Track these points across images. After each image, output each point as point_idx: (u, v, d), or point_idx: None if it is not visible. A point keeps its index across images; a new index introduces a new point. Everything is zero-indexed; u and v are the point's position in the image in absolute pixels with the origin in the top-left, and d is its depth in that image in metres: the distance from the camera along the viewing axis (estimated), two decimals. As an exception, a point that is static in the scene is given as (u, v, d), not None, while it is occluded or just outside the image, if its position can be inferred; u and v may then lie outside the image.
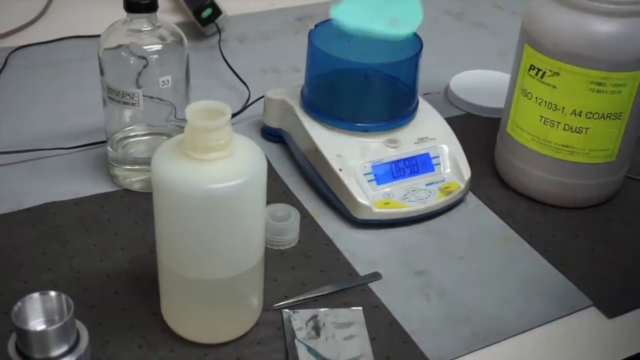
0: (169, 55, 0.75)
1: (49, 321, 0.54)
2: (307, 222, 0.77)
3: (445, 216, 0.80)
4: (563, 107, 0.76)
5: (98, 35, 0.76)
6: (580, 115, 0.76)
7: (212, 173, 0.57)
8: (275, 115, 0.87)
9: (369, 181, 0.77)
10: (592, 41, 0.73)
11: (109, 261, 0.71)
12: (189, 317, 0.63)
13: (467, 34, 1.18)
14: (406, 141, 0.81)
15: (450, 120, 0.86)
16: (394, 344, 0.65)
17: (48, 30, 1.08)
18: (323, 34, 0.82)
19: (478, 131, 0.93)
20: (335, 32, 0.83)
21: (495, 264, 0.74)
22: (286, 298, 0.68)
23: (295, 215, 0.74)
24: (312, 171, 0.81)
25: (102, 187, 0.80)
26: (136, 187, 0.79)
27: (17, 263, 0.70)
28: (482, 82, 1.01)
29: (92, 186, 0.80)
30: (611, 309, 0.70)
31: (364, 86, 0.81)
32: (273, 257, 0.72)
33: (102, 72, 0.76)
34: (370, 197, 0.76)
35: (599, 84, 0.74)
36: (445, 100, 1.00)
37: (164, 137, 0.78)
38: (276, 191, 0.81)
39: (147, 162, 0.63)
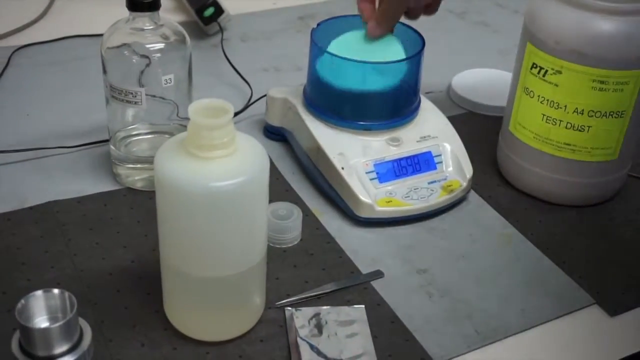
0: (172, 54, 0.76)
1: (52, 319, 0.55)
2: (310, 220, 0.77)
3: (447, 214, 0.80)
4: (565, 106, 0.76)
5: (101, 34, 0.76)
6: (582, 114, 0.76)
7: (214, 171, 0.57)
8: (278, 113, 0.87)
9: (371, 179, 0.78)
10: (594, 39, 0.73)
11: (112, 259, 0.71)
12: (192, 315, 0.63)
13: (469, 32, 1.18)
14: (408, 140, 0.81)
15: (452, 119, 0.86)
16: (396, 341, 0.65)
17: (51, 29, 1.09)
18: (325, 33, 0.82)
19: (480, 130, 0.93)
20: (337, 30, 0.83)
21: (497, 262, 0.74)
22: (288, 296, 0.68)
23: (297, 213, 0.74)
24: (315, 169, 0.81)
25: (104, 186, 0.80)
26: (139, 185, 0.80)
27: (20, 261, 0.70)
28: (484, 81, 1.01)
29: (94, 185, 0.80)
30: (613, 307, 0.70)
31: (366, 85, 0.81)
32: (275, 255, 0.72)
33: (104, 71, 0.76)
34: (372, 196, 0.77)
35: (601, 82, 0.74)
36: (448, 98, 1.00)
37: (167, 136, 0.78)
38: (278, 189, 0.81)
39: (149, 160, 0.64)
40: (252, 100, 0.95)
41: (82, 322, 0.55)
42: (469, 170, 0.81)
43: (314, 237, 0.75)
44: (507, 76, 0.86)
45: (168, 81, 0.75)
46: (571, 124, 0.77)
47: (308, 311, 0.66)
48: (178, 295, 0.63)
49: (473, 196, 0.83)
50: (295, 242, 0.74)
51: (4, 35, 1.06)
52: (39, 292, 0.54)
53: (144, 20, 0.74)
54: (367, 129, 0.80)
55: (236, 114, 0.92)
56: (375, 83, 0.81)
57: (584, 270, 0.74)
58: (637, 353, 0.67)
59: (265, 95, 0.89)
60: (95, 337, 0.57)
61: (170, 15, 1.11)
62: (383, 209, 0.76)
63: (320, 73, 0.81)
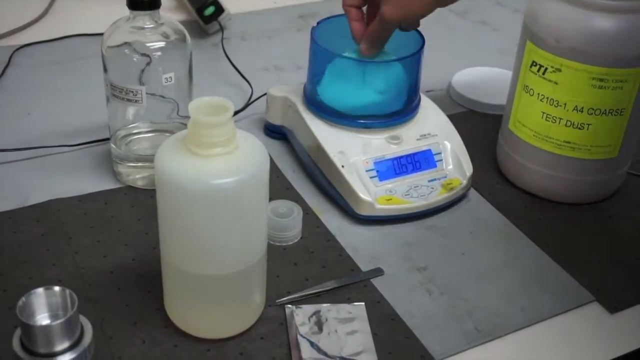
0: (172, 53, 0.76)
1: (53, 316, 0.55)
2: (310, 218, 0.77)
3: (447, 212, 0.80)
4: (565, 103, 0.76)
5: (101, 33, 0.76)
6: (582, 112, 0.76)
7: (215, 169, 0.57)
8: (278, 112, 0.87)
9: (371, 177, 0.78)
10: (593, 37, 0.73)
11: (113, 257, 0.71)
12: (193, 312, 0.63)
13: (469, 31, 1.18)
14: (408, 138, 0.81)
15: (452, 117, 0.86)
16: (396, 339, 0.65)
17: (51, 28, 1.09)
18: (325, 31, 0.82)
19: (480, 128, 0.93)
20: (337, 29, 0.84)
21: (497, 260, 0.75)
22: (289, 294, 0.68)
23: (297, 211, 0.74)
24: (315, 168, 0.81)
25: (105, 184, 0.80)
26: (139, 184, 0.80)
27: (21, 259, 0.70)
28: (484, 79, 1.01)
29: (95, 183, 0.80)
30: (613, 304, 0.70)
31: (366, 83, 0.81)
32: (276, 253, 0.72)
33: (105, 70, 0.76)
34: (372, 194, 0.77)
35: (601, 80, 0.74)
36: (448, 97, 1.00)
37: (167, 134, 0.78)
38: (279, 188, 0.81)
39: (150, 159, 0.64)
40: (252, 99, 0.95)
41: (83, 320, 0.55)
42: (469, 168, 0.81)
43: (314, 235, 0.75)
44: (507, 74, 0.86)
45: (168, 80, 0.76)
46: (571, 121, 0.77)
47: (308, 309, 0.66)
48: (179, 293, 0.63)
49: (473, 194, 0.83)
50: (296, 240, 0.74)
51: (5, 34, 1.06)
52: (40, 290, 0.54)
53: (145, 19, 0.74)
54: (367, 127, 0.80)
55: (237, 113, 0.92)
56: (376, 82, 0.81)
57: (583, 267, 0.74)
58: (637, 350, 0.67)
59: (265, 94, 0.89)
60: (96, 335, 0.57)
61: (170, 14, 1.11)
62: (383, 207, 0.77)
63: (321, 72, 0.81)
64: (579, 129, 0.77)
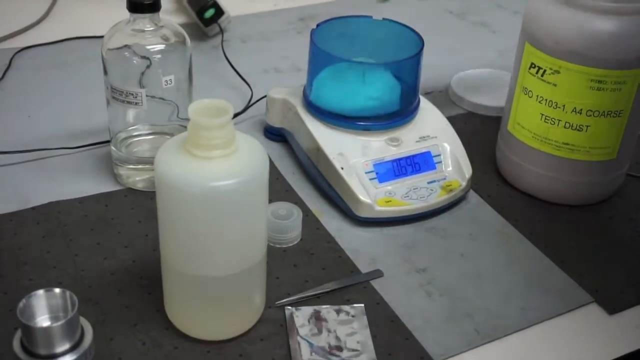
0: (172, 55, 0.76)
1: (54, 318, 0.55)
2: (309, 220, 0.77)
3: (446, 214, 0.80)
4: (563, 105, 0.77)
5: (102, 36, 0.77)
6: (580, 113, 0.76)
7: (214, 171, 0.57)
8: (278, 114, 0.87)
9: (370, 179, 0.78)
10: (592, 39, 0.73)
11: (113, 259, 0.71)
12: (192, 314, 0.63)
13: (468, 33, 1.19)
14: (408, 140, 0.81)
15: (451, 119, 0.87)
16: (396, 340, 0.65)
17: (52, 31, 1.09)
18: (324, 34, 0.83)
19: (479, 129, 0.93)
20: (337, 31, 0.84)
21: (496, 261, 0.75)
22: (288, 295, 0.68)
23: (297, 213, 0.75)
24: (314, 170, 0.81)
25: (106, 186, 0.80)
26: (139, 186, 0.80)
27: (22, 261, 0.70)
28: (483, 81, 1.02)
29: (96, 185, 0.80)
30: (612, 305, 0.71)
31: (366, 85, 0.81)
32: (275, 255, 0.72)
33: (105, 72, 0.76)
34: (372, 195, 0.77)
35: (599, 81, 0.74)
36: (447, 99, 1.00)
37: (167, 137, 0.79)
38: (278, 190, 0.81)
39: (150, 161, 0.64)
40: (252, 101, 0.95)
41: (83, 321, 0.56)
42: (468, 170, 0.82)
43: (314, 236, 0.76)
44: (506, 76, 0.87)
45: (168, 82, 0.76)
46: (570, 123, 0.77)
47: (308, 310, 0.67)
48: (179, 295, 0.63)
49: (472, 196, 0.83)
50: (296, 242, 0.75)
51: (6, 37, 1.07)
52: (41, 292, 0.55)
53: (145, 22, 0.75)
54: (366, 129, 0.80)
55: (237, 115, 0.92)
56: (375, 84, 0.81)
57: (583, 268, 0.74)
58: (636, 351, 0.67)
59: (265, 96, 0.89)
60: (97, 336, 0.57)
61: (170, 16, 1.11)
62: (382, 209, 0.77)
63: (321, 74, 0.82)
64: (578, 130, 0.77)
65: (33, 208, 0.77)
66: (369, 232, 0.77)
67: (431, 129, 0.83)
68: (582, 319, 0.70)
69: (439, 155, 0.81)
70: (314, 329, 0.65)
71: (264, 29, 1.15)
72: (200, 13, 1.07)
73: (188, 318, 0.64)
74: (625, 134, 0.78)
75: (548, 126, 0.78)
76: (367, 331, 0.65)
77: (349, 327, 0.65)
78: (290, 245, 0.74)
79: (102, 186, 0.80)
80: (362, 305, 0.68)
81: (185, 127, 0.58)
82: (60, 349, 0.53)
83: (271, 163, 0.83)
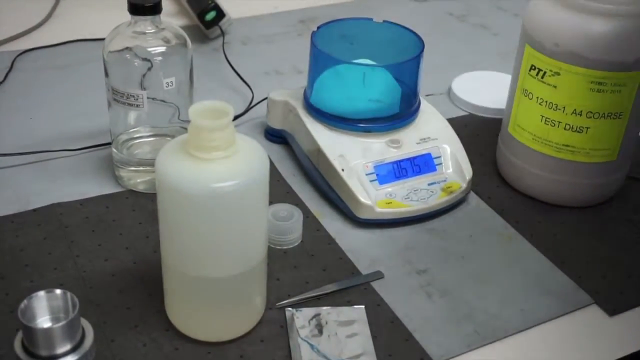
0: (173, 57, 0.76)
1: (55, 319, 0.55)
2: (310, 221, 0.78)
3: (447, 215, 0.80)
4: (564, 107, 0.77)
5: (103, 39, 0.77)
6: (580, 115, 0.77)
7: (215, 172, 0.57)
8: (278, 116, 0.87)
9: (371, 181, 0.78)
10: (592, 41, 0.73)
11: (114, 261, 0.71)
12: (193, 315, 0.64)
13: (469, 35, 1.19)
14: (408, 141, 0.81)
15: (452, 121, 0.87)
16: (396, 342, 0.65)
17: (54, 33, 1.09)
18: (325, 36, 0.83)
19: (480, 131, 0.93)
20: (337, 33, 0.84)
21: (496, 263, 0.75)
22: (289, 297, 0.69)
23: (298, 215, 0.75)
24: (315, 171, 0.82)
25: (107, 188, 0.80)
26: (141, 188, 0.80)
27: (23, 263, 0.71)
28: (484, 83, 1.02)
29: (97, 187, 0.81)
30: (612, 307, 0.71)
31: (366, 87, 0.81)
32: (276, 257, 0.73)
33: (106, 74, 0.76)
34: (372, 197, 0.77)
35: (599, 83, 0.74)
36: (448, 101, 1.00)
37: (168, 139, 0.79)
38: (279, 191, 0.81)
39: (151, 163, 0.64)
40: (253, 103, 0.95)
41: (84, 323, 0.56)
42: (468, 172, 0.82)
43: (314, 238, 0.76)
44: (507, 79, 0.87)
45: (169, 84, 0.76)
46: (570, 125, 0.77)
47: (308, 312, 0.67)
48: (179, 296, 0.64)
49: (473, 197, 0.83)
50: (296, 244, 0.75)
51: (8, 39, 1.07)
52: (42, 293, 0.55)
53: (146, 24, 0.75)
54: (367, 131, 0.81)
55: (237, 117, 0.92)
56: (375, 86, 0.81)
57: (583, 270, 0.74)
58: (636, 352, 0.67)
59: (266, 98, 0.89)
60: (98, 337, 0.57)
61: (172, 19, 1.12)
62: (383, 211, 0.77)
63: (321, 76, 0.82)
64: (578, 132, 0.78)
65: (34, 210, 0.77)
66: (370, 234, 0.77)
67: (432, 131, 0.83)
68: (582, 321, 0.70)
69: (439, 157, 0.81)
70: (314, 330, 0.65)
71: (265, 31, 1.15)
72: (201, 15, 1.07)
73: (189, 319, 0.64)
74: (625, 136, 0.78)
75: (548, 128, 0.79)
76: (368, 332, 0.65)
77: (350, 328, 0.65)
78: (291, 246, 0.74)
79: (103, 188, 0.80)
80: (363, 306, 0.68)
81: (186, 129, 0.58)
82: (61, 350, 0.53)
83: (272, 165, 0.84)
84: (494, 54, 1.12)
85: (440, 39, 1.14)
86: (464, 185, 0.81)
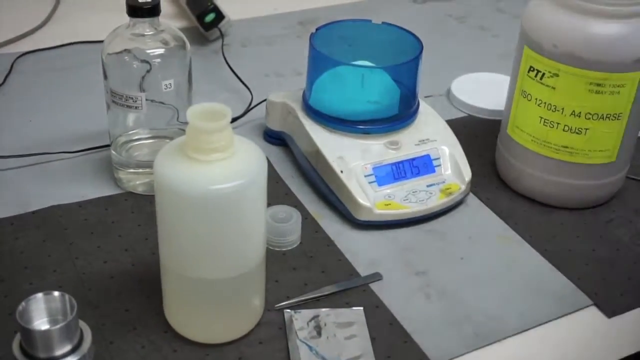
0: (172, 59, 0.76)
1: (53, 321, 0.55)
2: (309, 223, 0.78)
3: (446, 217, 0.80)
4: (562, 108, 0.77)
5: (102, 41, 0.77)
6: (579, 116, 0.77)
7: (213, 174, 0.57)
8: (278, 118, 0.87)
9: (370, 183, 0.78)
10: (590, 43, 0.73)
11: (113, 263, 0.71)
12: (192, 317, 0.64)
13: (469, 37, 1.19)
14: (407, 143, 0.81)
15: (451, 122, 0.87)
16: (395, 343, 0.65)
17: (53, 36, 1.09)
18: (324, 38, 0.83)
19: (479, 133, 0.93)
20: (336, 35, 0.84)
21: (495, 264, 0.75)
22: (288, 298, 0.69)
23: (296, 216, 0.75)
24: (314, 173, 0.82)
25: (106, 190, 0.81)
26: (139, 189, 0.80)
27: (23, 265, 0.71)
28: (483, 85, 1.02)
29: (96, 189, 0.81)
30: (611, 309, 0.71)
31: (365, 89, 0.81)
32: (275, 258, 0.73)
33: (105, 77, 0.77)
34: (371, 199, 0.77)
35: (598, 84, 0.74)
36: (447, 102, 1.00)
37: (167, 140, 0.79)
38: (278, 193, 0.81)
39: (150, 165, 0.64)
40: (252, 105, 0.95)
41: (83, 325, 0.56)
42: (467, 173, 0.82)
43: (313, 240, 0.76)
44: (506, 80, 0.87)
45: (168, 86, 0.76)
46: (569, 126, 0.77)
47: (307, 313, 0.67)
48: (178, 298, 0.64)
49: (472, 199, 0.83)
50: (295, 245, 0.75)
51: (7, 42, 1.07)
52: (40, 295, 0.55)
53: (144, 26, 0.75)
54: (366, 133, 0.81)
55: (237, 119, 0.92)
56: (374, 87, 0.81)
57: (582, 271, 0.74)
58: (635, 354, 0.67)
59: (265, 100, 0.89)
60: (96, 340, 0.57)
61: (171, 21, 1.11)
62: (382, 212, 0.77)
63: (320, 77, 0.82)
64: (577, 133, 0.77)
65: (34, 212, 0.77)
66: (369, 235, 0.77)
67: (430, 132, 0.83)
68: (581, 322, 0.70)
69: (438, 158, 0.81)
70: (313, 332, 0.65)
71: (264, 33, 1.15)
72: (200, 17, 1.07)
73: (187, 321, 0.64)
74: (624, 137, 0.78)
75: (547, 129, 0.79)
76: (367, 334, 0.65)
77: (348, 330, 0.65)
78: (290, 248, 0.74)
79: (103, 190, 0.81)
80: (362, 308, 0.68)
81: (185, 130, 0.58)
82: (59, 352, 0.53)
83: (271, 166, 0.84)
84: (494, 55, 1.12)
85: (439, 41, 1.14)
86: (463, 187, 0.81)
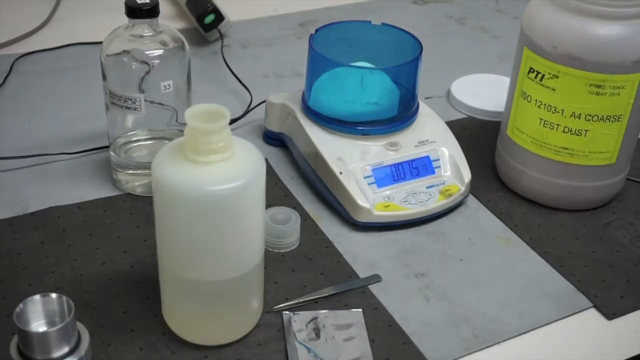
0: (171, 60, 0.76)
1: (50, 323, 0.55)
2: (308, 225, 0.77)
3: (445, 218, 0.80)
4: (562, 110, 0.77)
5: (101, 42, 0.77)
6: (579, 118, 0.76)
7: (211, 175, 0.57)
8: (277, 119, 0.87)
9: (369, 184, 0.78)
10: (590, 44, 0.73)
11: (111, 264, 0.71)
12: (190, 319, 0.64)
13: (469, 38, 1.19)
14: (406, 144, 0.81)
15: (451, 124, 0.87)
16: (394, 345, 0.65)
17: (53, 37, 1.09)
18: (323, 39, 0.83)
19: (479, 134, 0.93)
20: (336, 36, 0.84)
21: (495, 266, 0.75)
22: (286, 300, 0.68)
23: (296, 218, 0.75)
24: (313, 174, 0.81)
25: (105, 192, 0.80)
26: (138, 191, 0.80)
27: (21, 266, 0.70)
28: (483, 86, 1.01)
29: (95, 190, 0.80)
30: (611, 311, 0.70)
31: (364, 90, 0.81)
32: (274, 260, 0.72)
33: (104, 78, 0.76)
34: (370, 200, 0.77)
35: (598, 86, 0.74)
36: (447, 103, 1.00)
37: (166, 142, 0.78)
38: (277, 194, 0.81)
39: (149, 166, 0.64)
40: (251, 106, 0.95)
41: (81, 327, 0.55)
42: (467, 175, 0.81)
43: (312, 241, 0.76)
44: (506, 81, 0.87)
45: (167, 87, 0.76)
46: (569, 128, 0.77)
47: (306, 315, 0.67)
48: (176, 300, 0.63)
49: (471, 200, 0.83)
50: (294, 247, 0.75)
51: (7, 43, 1.07)
52: (37, 297, 0.55)
53: (143, 27, 0.75)
54: (365, 134, 0.80)
55: (236, 120, 0.92)
56: (373, 89, 0.81)
57: (582, 273, 0.74)
58: (635, 357, 0.67)
59: (264, 101, 0.89)
60: (94, 341, 0.57)
61: (171, 22, 1.11)
62: (381, 214, 0.77)
63: (320, 79, 0.82)
64: (577, 135, 0.77)
65: (32, 213, 0.77)
66: (368, 237, 0.77)
67: (430, 134, 0.83)
68: (580, 324, 0.70)
69: (437, 159, 0.81)
70: (311, 334, 0.65)
71: (264, 34, 1.15)
72: (200, 18, 1.07)
73: (185, 323, 0.64)
74: (624, 139, 0.78)
75: (547, 131, 0.78)
76: (365, 336, 0.65)
77: (347, 332, 0.65)
78: (289, 250, 0.74)
79: (101, 191, 0.80)
80: (360, 310, 0.68)
81: (184, 132, 0.58)
82: (56, 354, 0.53)
83: (270, 168, 0.84)
84: (494, 56, 1.12)
85: (439, 42, 1.14)
86: (463, 188, 0.81)
